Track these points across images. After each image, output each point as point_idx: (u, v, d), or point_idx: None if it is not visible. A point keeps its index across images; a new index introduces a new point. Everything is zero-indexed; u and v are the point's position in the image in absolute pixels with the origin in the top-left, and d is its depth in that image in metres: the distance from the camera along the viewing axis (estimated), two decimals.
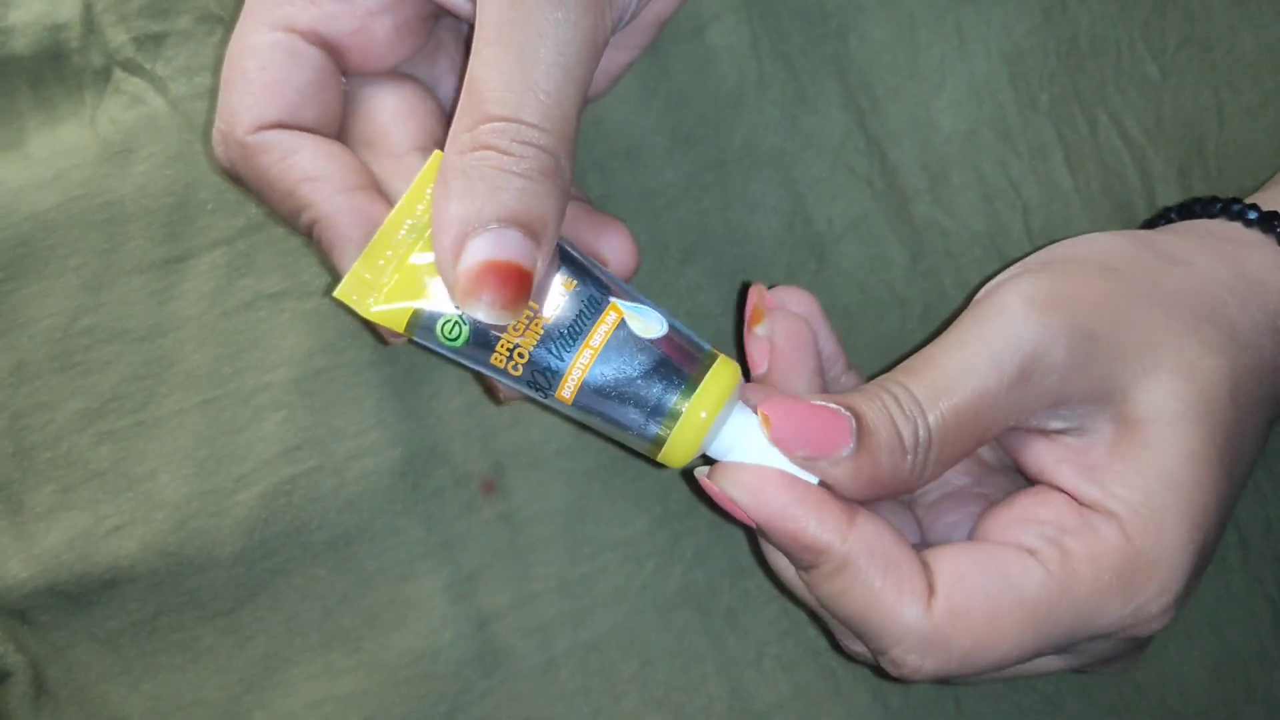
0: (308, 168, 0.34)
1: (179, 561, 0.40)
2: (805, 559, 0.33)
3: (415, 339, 0.33)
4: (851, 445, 0.32)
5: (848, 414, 0.32)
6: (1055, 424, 0.34)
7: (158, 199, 0.41)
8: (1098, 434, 0.34)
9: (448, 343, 0.33)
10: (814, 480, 0.33)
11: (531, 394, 0.34)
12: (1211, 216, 0.38)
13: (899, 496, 0.35)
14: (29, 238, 0.41)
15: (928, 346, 0.34)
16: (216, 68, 0.41)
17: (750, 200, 0.43)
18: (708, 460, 0.35)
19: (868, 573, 0.32)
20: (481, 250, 0.31)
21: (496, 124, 0.31)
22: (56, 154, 0.41)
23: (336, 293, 0.33)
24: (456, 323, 0.33)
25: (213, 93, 0.41)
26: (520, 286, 0.32)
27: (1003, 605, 0.32)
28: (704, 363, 0.34)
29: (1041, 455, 0.35)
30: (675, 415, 0.33)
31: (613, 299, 0.34)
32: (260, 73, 0.34)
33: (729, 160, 0.43)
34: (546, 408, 0.37)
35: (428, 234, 0.33)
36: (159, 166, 0.41)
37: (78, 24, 0.42)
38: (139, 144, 0.41)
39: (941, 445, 0.33)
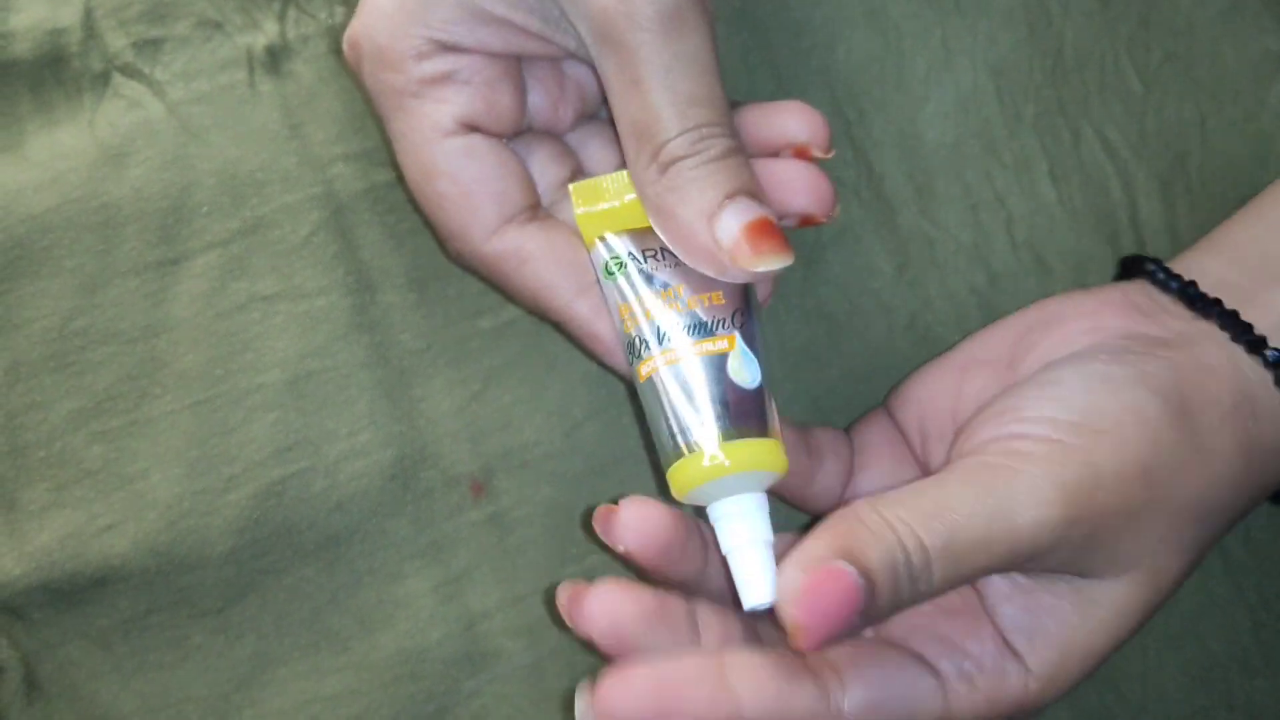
0: (544, 276, 0.37)
1: (170, 560, 0.41)
2: None
3: (592, 258, 0.37)
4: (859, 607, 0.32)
5: (861, 582, 0.32)
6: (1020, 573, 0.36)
7: (153, 202, 0.41)
8: (1050, 595, 0.35)
9: (606, 275, 0.37)
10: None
11: (626, 353, 0.37)
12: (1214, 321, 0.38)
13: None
14: (25, 239, 0.41)
15: (950, 484, 0.34)
16: (214, 73, 0.42)
17: None
18: (699, 512, 0.36)
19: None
20: (733, 222, 0.34)
21: (676, 140, 0.34)
22: (54, 157, 0.42)
23: (571, 185, 0.38)
24: (622, 261, 0.37)
25: (209, 97, 0.42)
26: (778, 233, 0.34)
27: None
28: (762, 433, 0.35)
29: (994, 584, 0.36)
30: (688, 450, 0.35)
31: (736, 333, 0.36)
32: (455, 187, 0.37)
33: None
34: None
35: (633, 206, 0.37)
36: (155, 170, 0.41)
37: (78, 29, 0.42)
38: (136, 147, 0.42)
39: (930, 596, 0.33)
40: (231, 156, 0.42)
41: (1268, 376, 0.37)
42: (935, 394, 0.40)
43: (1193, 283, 0.39)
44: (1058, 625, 0.35)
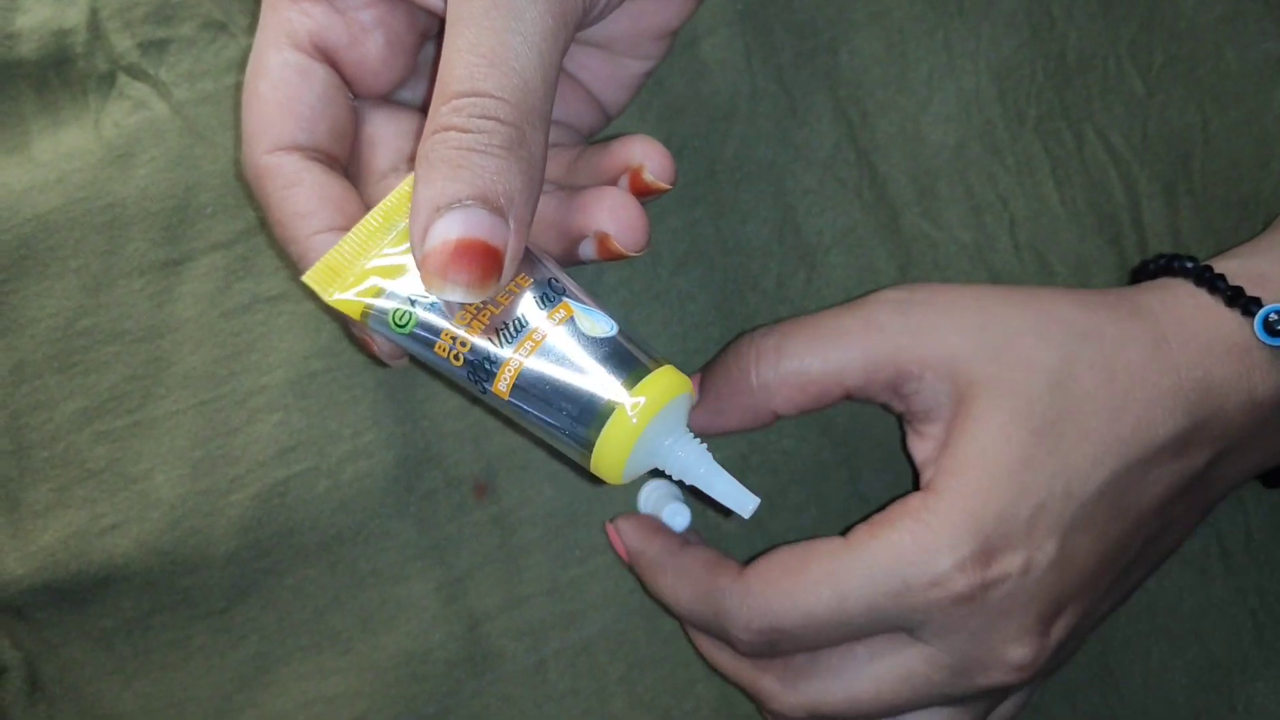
0: (302, 203, 0.34)
1: (173, 561, 0.41)
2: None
3: (370, 325, 0.34)
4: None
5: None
6: (904, 404, 0.39)
7: (158, 202, 0.41)
8: (940, 412, 0.38)
9: (396, 330, 0.33)
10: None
11: (471, 387, 0.34)
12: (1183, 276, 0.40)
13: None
14: (31, 239, 0.41)
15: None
16: (219, 74, 0.42)
17: (741, 210, 0.43)
18: (659, 474, 0.35)
19: (693, 569, 0.39)
20: (446, 229, 0.31)
21: (455, 102, 0.31)
22: (60, 157, 0.42)
23: (304, 277, 0.34)
24: (407, 311, 0.33)
25: (214, 98, 0.42)
26: (489, 263, 0.31)
27: (794, 563, 0.37)
28: (649, 369, 0.33)
29: (910, 444, 0.39)
30: (604, 416, 0.32)
31: (566, 298, 0.33)
32: (272, 91, 0.35)
33: (720, 171, 0.43)
34: (486, 408, 0.37)
35: (402, 233, 0.33)
36: (160, 170, 0.42)
37: (83, 29, 0.42)
38: (141, 148, 0.42)
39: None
40: (236, 157, 0.42)
41: (1236, 318, 0.38)
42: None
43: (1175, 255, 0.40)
44: (950, 434, 0.38)
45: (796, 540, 0.39)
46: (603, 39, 0.38)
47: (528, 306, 0.33)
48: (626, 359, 0.33)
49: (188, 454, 0.41)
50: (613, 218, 0.35)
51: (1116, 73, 0.44)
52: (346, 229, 0.34)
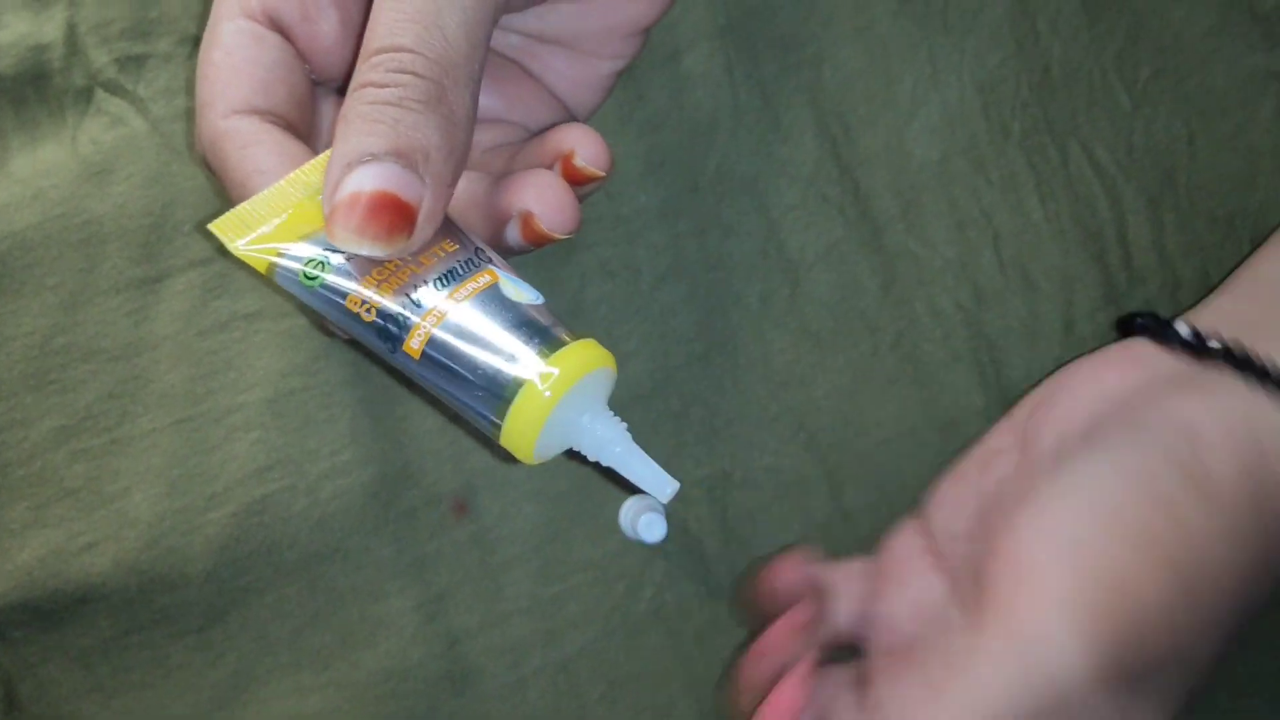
0: (262, 161, 0.33)
1: (150, 580, 0.40)
2: None
3: (277, 280, 0.33)
4: None
5: None
6: None
7: (135, 219, 0.41)
8: None
9: (306, 282, 0.32)
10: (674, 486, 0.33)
11: (380, 346, 0.32)
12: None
13: None
14: (7, 256, 0.41)
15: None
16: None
17: (724, 226, 0.43)
18: (575, 457, 0.33)
19: None
20: (357, 182, 0.30)
21: (375, 58, 0.31)
22: (36, 173, 0.41)
23: (211, 225, 0.33)
24: (320, 262, 0.32)
25: (191, 114, 0.42)
26: (397, 215, 0.31)
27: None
28: (566, 342, 0.31)
29: None
30: (515, 388, 0.31)
31: (492, 265, 0.32)
32: (226, 58, 0.34)
33: (703, 186, 0.43)
34: (395, 373, 0.35)
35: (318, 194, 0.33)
36: (138, 187, 0.41)
37: (60, 45, 0.42)
38: (118, 164, 0.41)
39: None
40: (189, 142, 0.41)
41: None
42: (960, 494, 0.39)
43: (1193, 329, 0.37)
44: None
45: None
46: (569, 37, 0.38)
47: (451, 269, 0.32)
48: (545, 330, 0.31)
49: (165, 472, 0.41)
50: (538, 197, 0.34)
51: (1102, 87, 0.44)
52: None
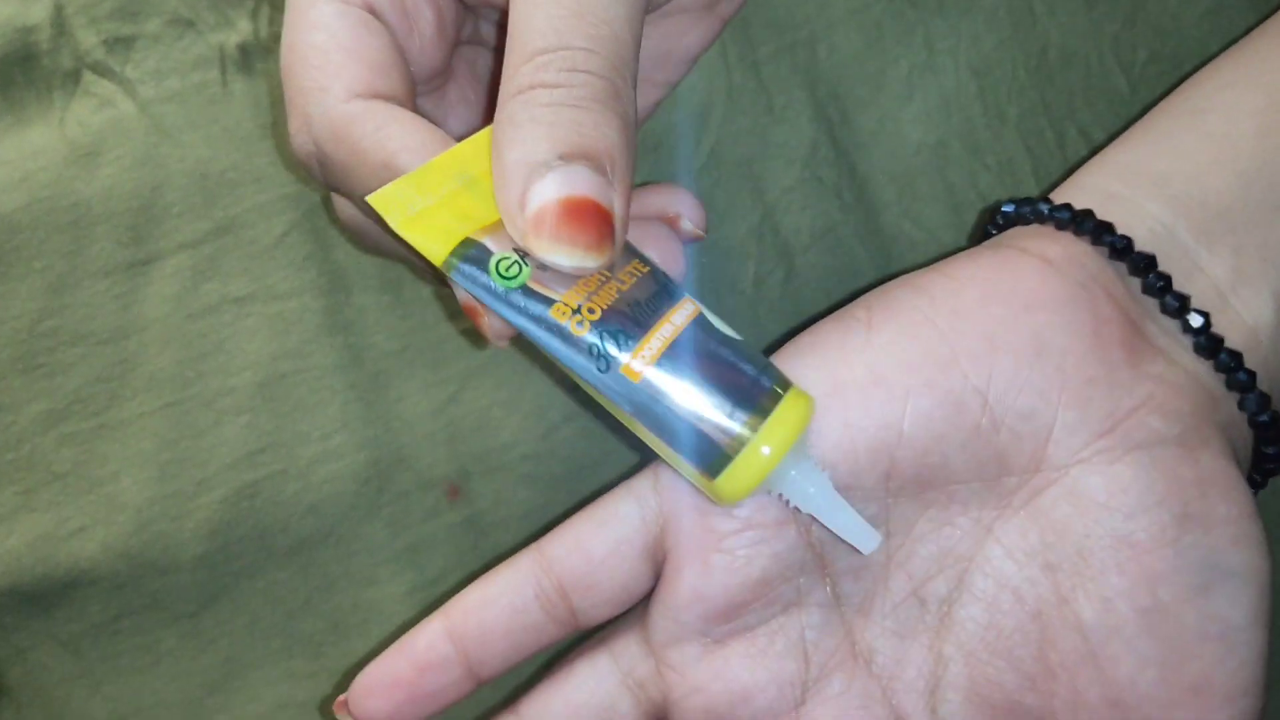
0: (407, 139, 0.31)
1: (140, 564, 0.40)
2: None
3: (461, 269, 0.30)
4: None
5: None
6: None
7: (124, 201, 0.41)
8: None
9: (502, 281, 0.29)
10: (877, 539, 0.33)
11: (585, 364, 0.30)
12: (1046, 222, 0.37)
13: None
14: None
15: None
16: (185, 71, 0.41)
17: (718, 209, 0.43)
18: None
19: None
20: (550, 190, 0.28)
21: (541, 58, 0.29)
22: (24, 156, 0.41)
23: (370, 197, 0.30)
24: (516, 261, 0.29)
25: (180, 96, 0.41)
26: (601, 223, 0.29)
27: None
28: (779, 392, 0.31)
29: None
30: (738, 444, 0.30)
31: (686, 294, 0.31)
32: (333, 40, 0.32)
33: (698, 168, 0.43)
34: (579, 390, 0.34)
35: (480, 185, 0.31)
36: (126, 169, 0.41)
37: (48, 26, 0.42)
38: (106, 146, 0.41)
39: None
40: (203, 156, 0.41)
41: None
42: None
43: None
44: None
45: None
46: None
47: (655, 291, 0.30)
48: (758, 378, 0.31)
49: (155, 457, 0.40)
50: (658, 248, 0.34)
51: (1099, 70, 0.44)
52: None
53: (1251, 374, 0.34)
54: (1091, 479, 0.33)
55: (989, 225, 0.39)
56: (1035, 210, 0.37)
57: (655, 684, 0.35)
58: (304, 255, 0.41)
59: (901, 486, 0.34)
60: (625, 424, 0.31)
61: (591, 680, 0.36)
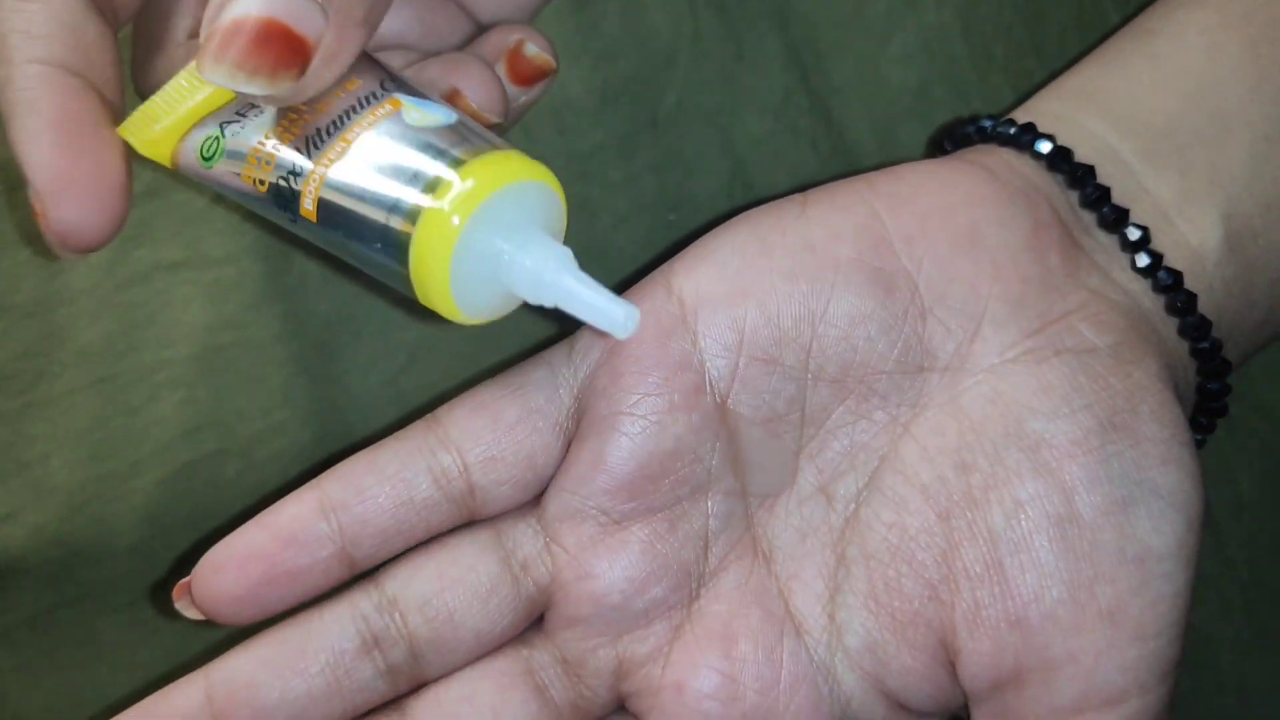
0: (31, 22, 0.28)
1: (74, 552, 0.38)
2: None
3: (181, 169, 0.29)
4: None
5: None
6: None
7: None
8: None
9: (203, 163, 0.28)
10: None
11: (283, 220, 0.28)
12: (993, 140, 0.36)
13: None
14: None
15: None
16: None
17: (686, 163, 0.40)
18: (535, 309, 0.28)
19: None
20: (242, 7, 0.26)
21: None
22: None
23: (119, 128, 0.29)
24: (215, 139, 0.28)
25: None
26: (285, 50, 0.26)
27: None
28: (476, 153, 0.26)
29: None
30: (414, 216, 0.26)
31: (397, 94, 0.27)
32: None
33: (662, 120, 0.40)
34: (300, 244, 0.32)
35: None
36: None
37: None
38: None
39: None
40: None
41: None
42: None
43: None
44: None
45: None
46: None
47: (349, 107, 0.27)
48: (453, 148, 0.26)
49: (85, 436, 0.38)
50: (465, 74, 0.31)
51: (1091, 7, 0.41)
52: (72, 68, 0.28)
53: (1192, 295, 0.33)
54: (1015, 378, 0.31)
55: (938, 145, 0.38)
56: (979, 129, 0.35)
57: (540, 567, 0.33)
58: (240, 218, 0.39)
59: (821, 367, 0.32)
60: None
61: (470, 554, 0.33)
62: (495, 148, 0.27)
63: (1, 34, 0.28)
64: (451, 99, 0.31)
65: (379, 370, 0.39)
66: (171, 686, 0.32)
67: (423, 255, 0.26)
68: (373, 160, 0.27)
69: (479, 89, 0.31)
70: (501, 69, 0.33)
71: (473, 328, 0.29)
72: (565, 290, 0.27)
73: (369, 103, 0.28)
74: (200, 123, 0.29)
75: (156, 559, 0.38)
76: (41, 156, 0.28)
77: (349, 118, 0.28)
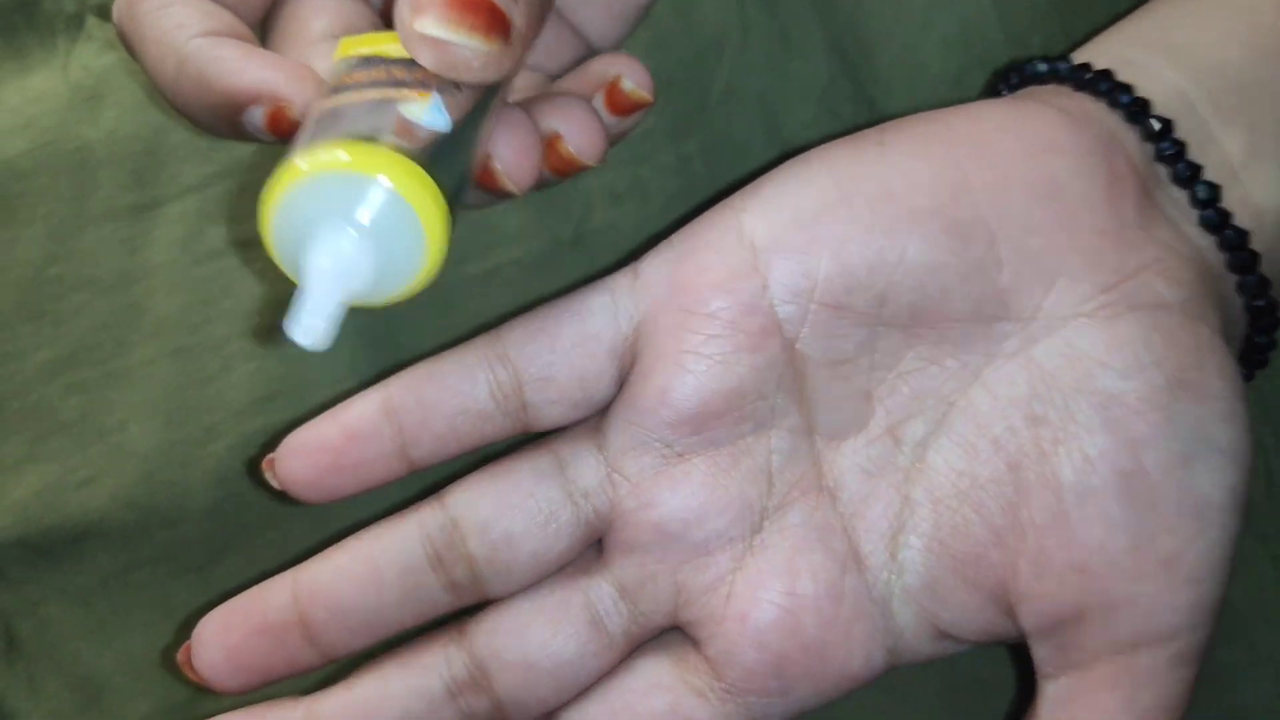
0: (180, 15, 0.30)
1: (149, 515, 0.39)
2: None
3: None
4: None
5: None
6: None
7: (127, 145, 0.40)
8: None
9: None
10: None
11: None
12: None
13: None
14: None
15: None
16: None
17: (734, 145, 0.42)
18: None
19: None
20: None
21: None
22: (27, 101, 0.40)
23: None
24: (361, 58, 0.28)
25: None
26: (494, 19, 0.28)
27: None
28: (400, 148, 0.26)
29: None
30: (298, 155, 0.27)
31: (432, 93, 0.28)
32: None
33: (711, 105, 0.42)
34: None
35: None
36: (129, 112, 0.40)
37: None
38: (110, 89, 0.40)
39: None
40: None
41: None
42: None
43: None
44: None
45: None
46: None
47: (389, 81, 0.28)
48: (388, 135, 0.26)
49: (162, 404, 0.39)
50: (565, 118, 0.32)
51: None
52: (227, 34, 0.30)
53: (1255, 254, 0.33)
54: (1089, 333, 0.32)
55: (1000, 84, 0.38)
56: (1053, 69, 0.36)
57: (602, 496, 0.34)
58: None
59: (894, 314, 0.33)
60: None
61: (530, 480, 0.34)
62: (415, 161, 0.27)
63: (161, 31, 0.30)
64: (551, 143, 0.32)
65: (442, 340, 0.40)
66: (261, 586, 0.34)
67: (269, 186, 0.27)
68: (337, 115, 0.28)
69: (580, 135, 0.32)
70: (600, 100, 0.34)
71: None
72: (303, 273, 0.28)
73: (404, 88, 0.28)
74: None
75: (228, 523, 0.40)
76: (257, 69, 0.29)
77: (383, 86, 0.28)
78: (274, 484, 0.35)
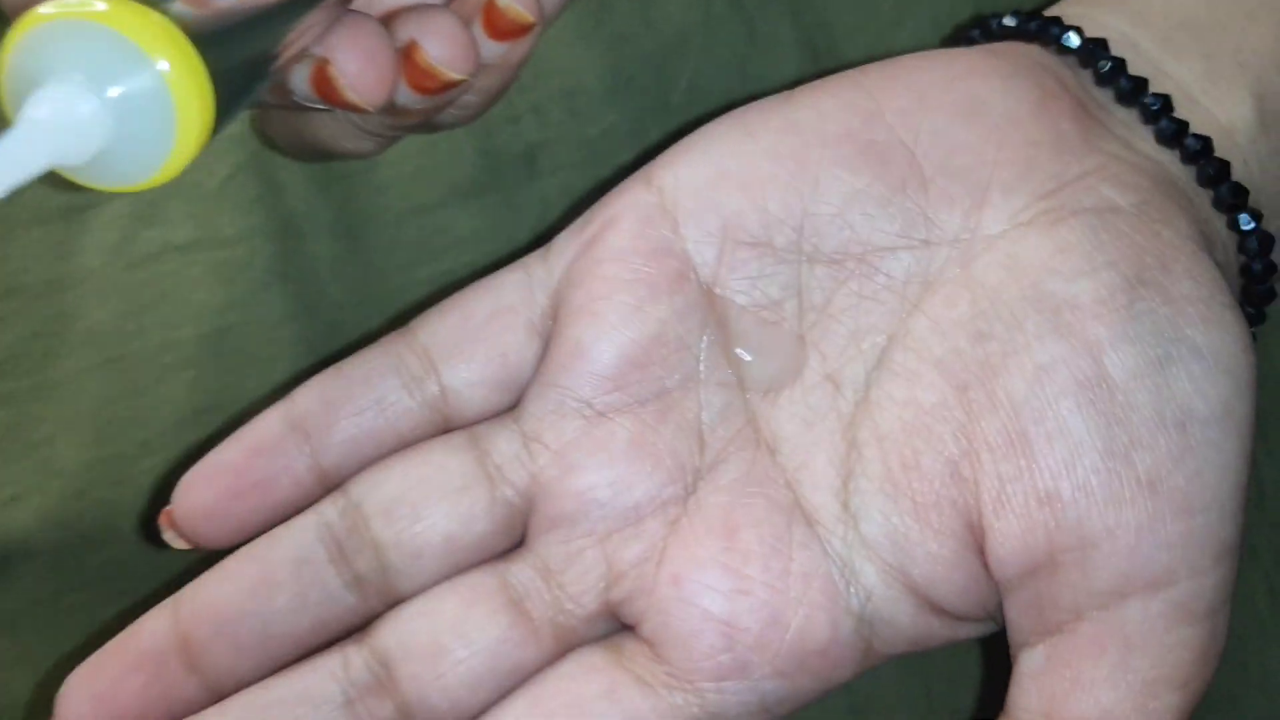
0: None
1: (80, 536, 0.38)
2: None
3: None
4: None
5: None
6: None
7: None
8: None
9: None
10: None
11: None
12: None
13: None
14: None
15: None
16: None
17: None
18: None
19: None
20: None
21: None
22: None
23: None
24: None
25: None
26: None
27: None
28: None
29: None
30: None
31: None
32: None
33: (675, 104, 0.40)
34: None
35: None
36: None
37: None
38: None
39: None
40: None
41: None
42: None
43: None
44: None
45: None
46: None
47: None
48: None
49: (93, 417, 0.38)
50: (421, 24, 0.28)
51: None
52: None
53: (1224, 163, 0.31)
54: (1030, 240, 0.29)
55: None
56: (985, 26, 0.35)
57: (520, 469, 0.31)
58: (251, 198, 0.39)
59: (817, 248, 0.31)
60: None
61: (441, 454, 0.31)
62: (186, 29, 0.23)
63: None
64: (408, 53, 0.29)
65: None
66: (143, 617, 0.31)
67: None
68: None
69: (441, 43, 0.29)
70: (478, 27, 0.30)
71: None
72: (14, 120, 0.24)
73: None
74: None
75: (164, 544, 0.38)
76: None
77: None
78: (177, 544, 0.32)
